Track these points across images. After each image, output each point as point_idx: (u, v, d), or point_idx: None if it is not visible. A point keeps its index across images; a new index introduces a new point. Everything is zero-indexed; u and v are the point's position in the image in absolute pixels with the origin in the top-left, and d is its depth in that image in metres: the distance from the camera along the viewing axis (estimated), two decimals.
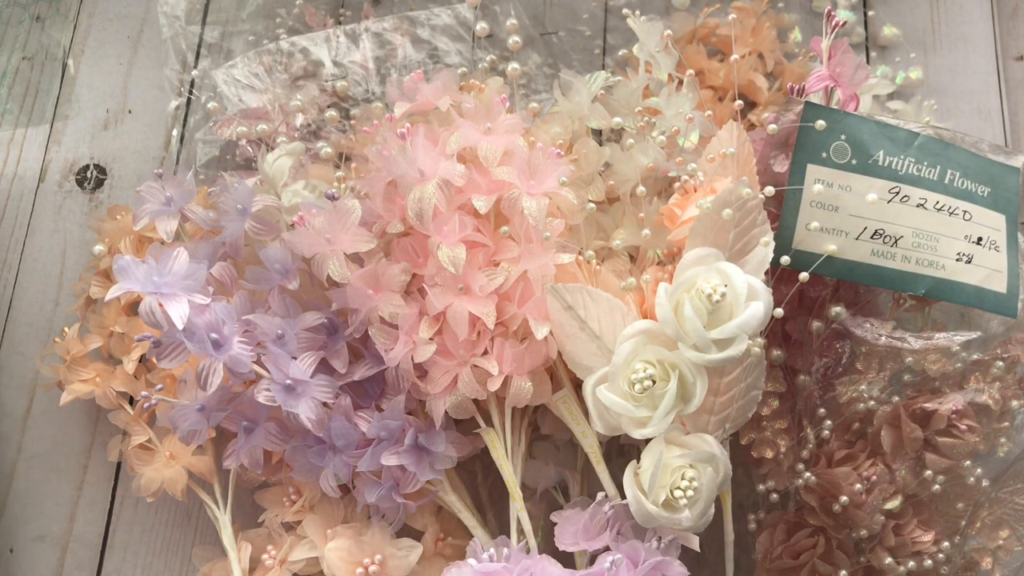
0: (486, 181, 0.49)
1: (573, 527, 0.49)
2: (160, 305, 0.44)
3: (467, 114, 0.51)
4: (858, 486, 0.49)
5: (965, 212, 0.51)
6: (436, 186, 0.48)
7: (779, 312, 0.46)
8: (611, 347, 0.46)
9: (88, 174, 0.63)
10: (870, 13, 0.66)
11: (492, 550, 0.47)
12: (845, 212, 0.49)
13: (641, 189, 0.51)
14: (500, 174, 0.49)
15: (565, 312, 0.48)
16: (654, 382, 0.44)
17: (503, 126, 0.51)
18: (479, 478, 0.55)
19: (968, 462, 0.50)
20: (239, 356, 0.47)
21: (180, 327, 0.44)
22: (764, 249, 0.46)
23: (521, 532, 0.49)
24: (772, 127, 0.49)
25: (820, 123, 0.48)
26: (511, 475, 0.50)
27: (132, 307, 0.56)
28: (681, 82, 0.54)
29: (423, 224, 0.48)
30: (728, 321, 0.44)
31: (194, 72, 0.64)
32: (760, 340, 0.46)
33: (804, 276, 0.47)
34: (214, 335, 0.46)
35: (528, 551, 0.49)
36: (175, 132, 0.63)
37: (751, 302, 0.44)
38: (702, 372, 0.45)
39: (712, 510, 0.46)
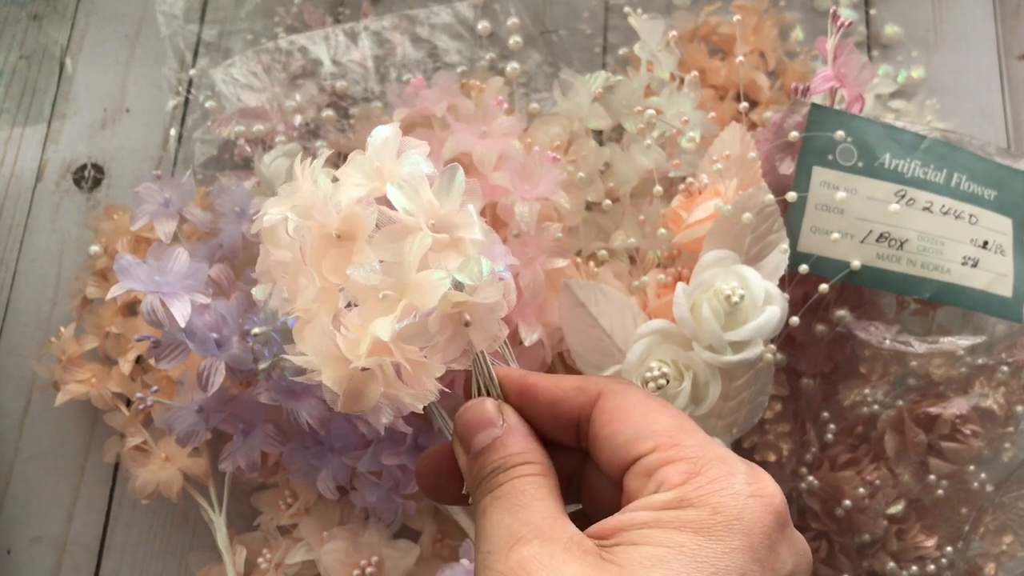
0: (482, 186, 0.49)
1: None
2: (162, 304, 0.44)
3: (464, 118, 0.50)
4: (861, 490, 0.49)
5: (971, 215, 0.50)
6: None
7: (795, 321, 0.46)
8: (621, 346, 0.46)
9: (85, 173, 0.62)
10: (872, 11, 0.66)
11: None
12: (851, 215, 0.48)
13: (657, 189, 0.51)
14: (495, 179, 0.49)
15: (577, 309, 0.47)
16: (668, 381, 0.44)
17: (499, 129, 0.50)
18: None
19: (972, 467, 0.50)
20: (241, 355, 0.46)
21: (182, 325, 0.44)
22: (780, 255, 0.46)
23: None
24: (794, 135, 0.49)
25: (840, 134, 0.48)
26: None
27: (128, 308, 0.56)
28: (683, 81, 0.54)
29: None
30: (744, 324, 0.44)
31: (192, 71, 0.63)
32: (772, 347, 0.46)
33: (824, 288, 0.47)
34: (215, 335, 0.46)
35: None
36: (173, 131, 0.62)
37: (767, 306, 0.44)
38: (716, 374, 0.45)
39: None
